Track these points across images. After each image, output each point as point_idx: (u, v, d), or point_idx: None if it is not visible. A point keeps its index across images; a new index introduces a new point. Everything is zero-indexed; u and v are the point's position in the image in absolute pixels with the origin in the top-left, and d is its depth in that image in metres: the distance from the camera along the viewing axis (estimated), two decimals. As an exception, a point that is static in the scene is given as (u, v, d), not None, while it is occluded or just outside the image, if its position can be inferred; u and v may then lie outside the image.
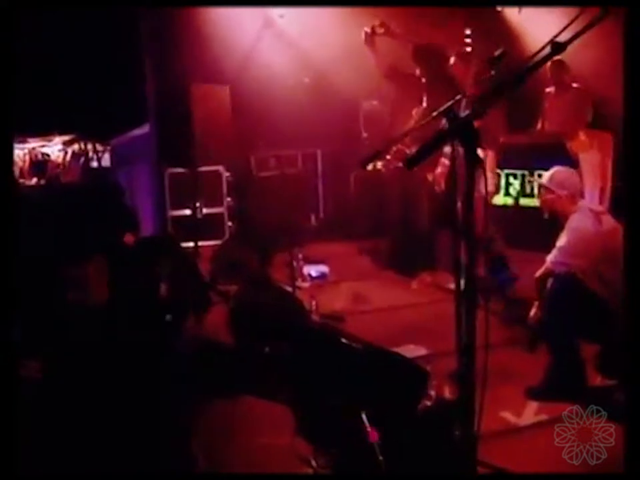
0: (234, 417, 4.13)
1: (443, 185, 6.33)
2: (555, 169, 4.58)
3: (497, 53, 3.57)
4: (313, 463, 3.51)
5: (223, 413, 4.19)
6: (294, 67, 8.31)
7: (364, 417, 3.30)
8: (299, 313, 5.13)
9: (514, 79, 2.21)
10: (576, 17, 2.39)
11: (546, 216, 4.52)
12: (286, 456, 3.66)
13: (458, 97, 3.11)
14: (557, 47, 2.14)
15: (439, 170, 6.38)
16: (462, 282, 3.34)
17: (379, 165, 8.31)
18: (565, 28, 2.35)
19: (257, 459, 3.72)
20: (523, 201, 7.90)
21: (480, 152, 5.83)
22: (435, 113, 3.10)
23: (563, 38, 2.26)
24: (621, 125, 2.80)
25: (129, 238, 6.62)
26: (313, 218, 9.42)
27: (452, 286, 6.37)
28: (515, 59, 7.92)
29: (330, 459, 3.51)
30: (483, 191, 5.56)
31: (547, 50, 2.24)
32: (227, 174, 8.88)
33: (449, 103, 3.01)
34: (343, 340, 4.30)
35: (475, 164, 2.07)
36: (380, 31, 7.47)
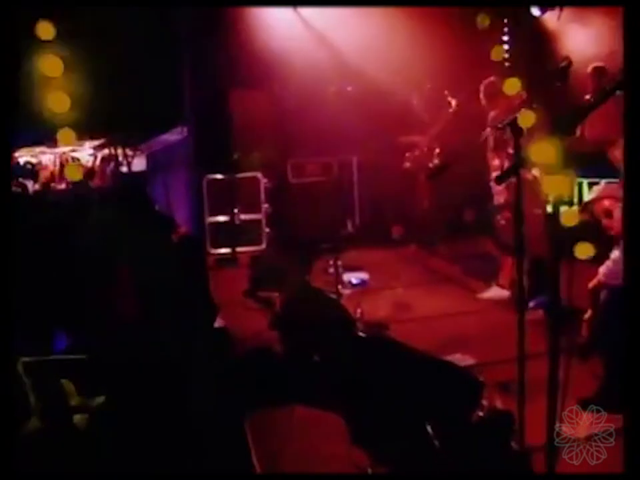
0: (290, 424, 4.14)
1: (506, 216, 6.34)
2: (601, 187, 4.64)
3: (561, 64, 3.56)
4: (370, 472, 3.51)
5: (278, 420, 4.21)
6: (336, 74, 8.32)
7: (429, 428, 3.28)
8: (346, 321, 5.12)
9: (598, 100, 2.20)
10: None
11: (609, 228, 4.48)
12: (342, 464, 3.68)
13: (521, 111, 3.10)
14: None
15: (501, 200, 6.42)
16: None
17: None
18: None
19: (314, 467, 3.73)
20: (564, 210, 7.86)
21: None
22: (500, 125, 3.11)
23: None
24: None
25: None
26: (349, 225, 9.42)
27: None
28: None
29: (390, 468, 3.52)
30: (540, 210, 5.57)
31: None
32: (265, 180, 8.92)
33: (514, 116, 3.01)
34: (396, 348, 4.31)
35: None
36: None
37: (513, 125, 3.01)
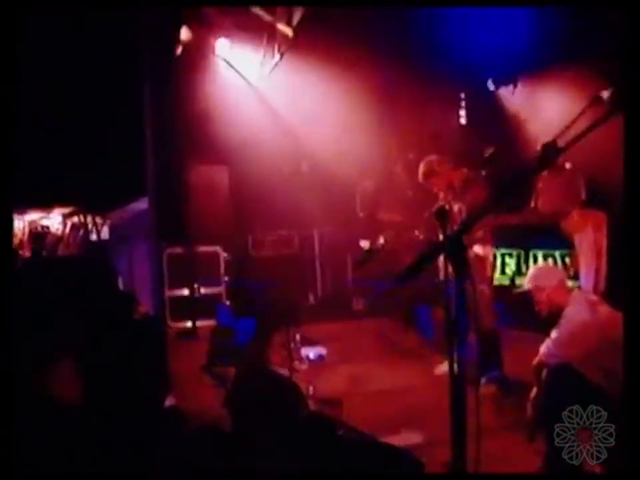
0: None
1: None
2: (531, 270, 4.75)
3: (487, 153, 3.65)
4: None
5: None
6: (293, 151, 8.49)
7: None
8: (296, 400, 5.09)
9: (506, 187, 2.27)
10: (576, 119, 2.43)
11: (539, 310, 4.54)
12: None
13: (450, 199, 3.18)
14: (555, 152, 2.18)
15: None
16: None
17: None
18: (563, 131, 2.39)
19: None
20: (519, 281, 7.95)
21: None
22: (426, 214, 3.17)
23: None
24: (615, 204, 2.78)
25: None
26: (311, 297, 9.45)
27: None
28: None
29: None
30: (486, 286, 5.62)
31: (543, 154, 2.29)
32: (225, 254, 8.95)
33: (439, 205, 3.08)
34: (338, 432, 4.30)
35: (464, 277, 2.11)
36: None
37: (439, 213, 3.07)
